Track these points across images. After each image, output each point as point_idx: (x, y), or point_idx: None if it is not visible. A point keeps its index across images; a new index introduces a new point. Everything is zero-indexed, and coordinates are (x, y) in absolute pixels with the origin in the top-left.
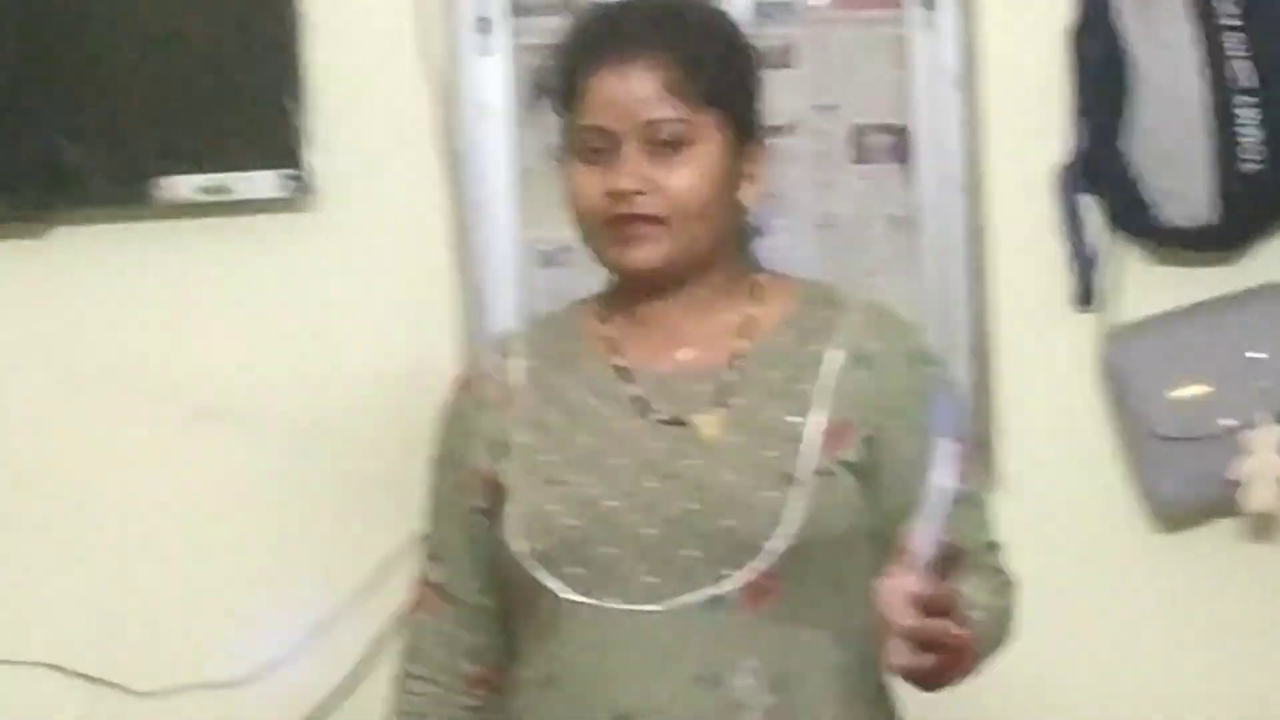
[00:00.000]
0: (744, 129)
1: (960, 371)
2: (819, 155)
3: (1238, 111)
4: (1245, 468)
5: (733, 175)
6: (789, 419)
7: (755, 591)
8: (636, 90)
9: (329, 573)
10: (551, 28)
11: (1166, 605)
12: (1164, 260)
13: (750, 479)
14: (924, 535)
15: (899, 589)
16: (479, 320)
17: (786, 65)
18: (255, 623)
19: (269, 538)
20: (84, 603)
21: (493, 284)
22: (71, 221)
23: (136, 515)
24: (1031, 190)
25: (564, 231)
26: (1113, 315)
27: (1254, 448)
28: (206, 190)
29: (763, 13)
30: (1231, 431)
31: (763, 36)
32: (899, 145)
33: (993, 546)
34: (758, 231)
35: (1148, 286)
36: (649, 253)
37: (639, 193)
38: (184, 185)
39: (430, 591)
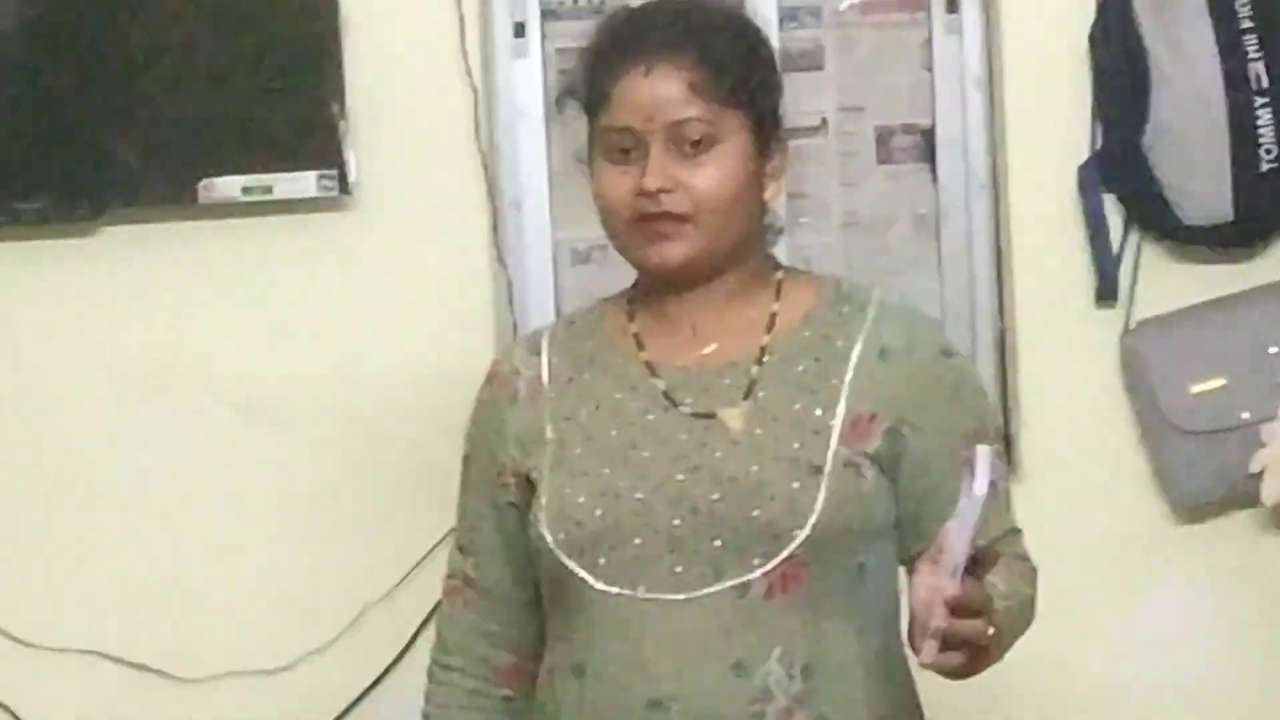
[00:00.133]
0: (766, 129)
1: (984, 367)
2: (845, 155)
3: (1257, 111)
4: (1264, 460)
5: (756, 174)
6: (813, 412)
7: (781, 581)
8: (662, 91)
9: (367, 564)
10: (583, 32)
11: (1186, 596)
12: (1183, 257)
13: (776, 471)
14: (958, 537)
15: (933, 589)
16: (515, 317)
17: (814, 67)
18: (296, 613)
19: (309, 531)
20: (129, 593)
21: (528, 282)
22: (119, 221)
23: (180, 508)
24: (1053, 189)
25: (597, 230)
26: (1133, 311)
27: (1273, 440)
28: (250, 191)
29: (790, 16)
30: (1251, 424)
31: (790, 39)
32: (923, 145)
33: (1014, 533)
34: (780, 230)
35: (1167, 283)
36: (676, 250)
37: (666, 191)
38: (228, 186)
39: (462, 584)
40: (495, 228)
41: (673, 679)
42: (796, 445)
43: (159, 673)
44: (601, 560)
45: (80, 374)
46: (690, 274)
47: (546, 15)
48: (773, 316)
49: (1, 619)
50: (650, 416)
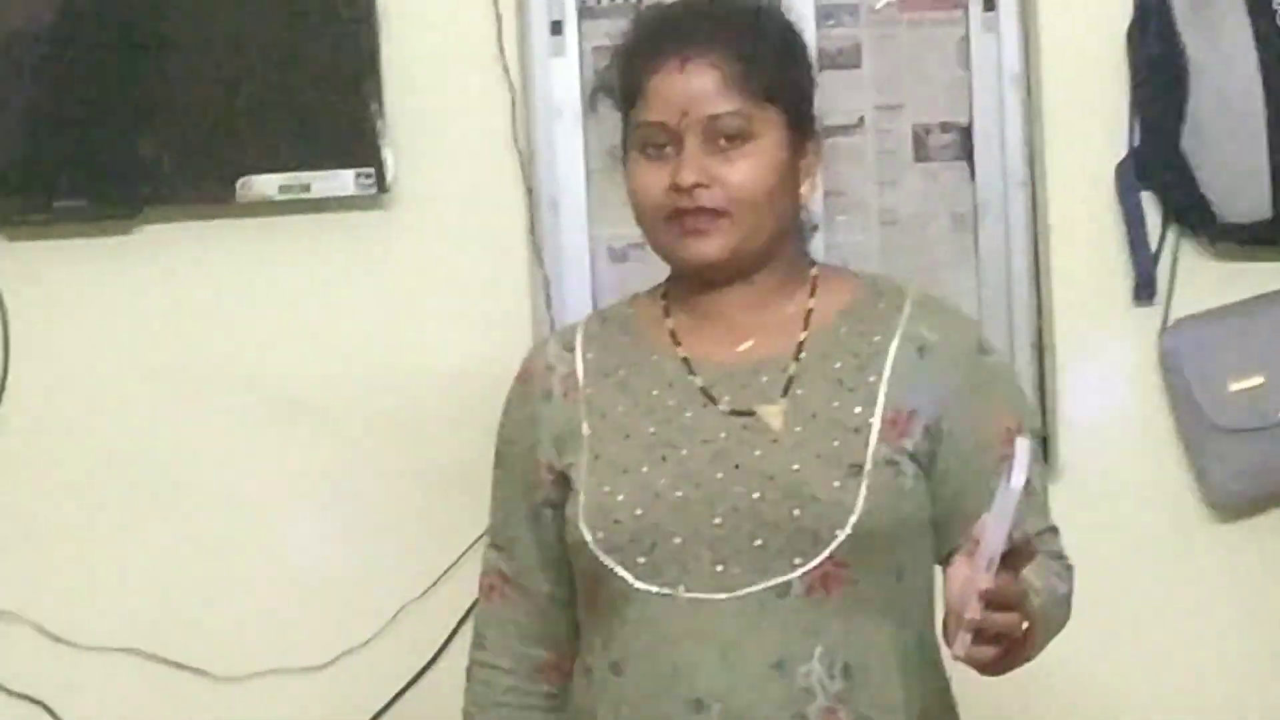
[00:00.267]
0: (800, 124)
1: (1021, 364)
2: (883, 153)
3: None
4: None
5: (791, 169)
6: (852, 410)
7: (822, 580)
8: (696, 86)
9: (405, 563)
10: (620, 30)
11: (1223, 594)
12: (1221, 255)
13: (816, 469)
14: (994, 531)
15: (968, 582)
16: (552, 316)
17: (851, 66)
18: (334, 611)
19: (347, 529)
20: (167, 591)
21: (565, 280)
22: (158, 219)
23: (220, 505)
24: (1091, 187)
25: (634, 229)
26: (1171, 309)
27: None
28: (287, 189)
29: (827, 14)
30: None
31: (827, 38)
32: (961, 143)
33: (1051, 531)
34: (815, 226)
35: (1205, 280)
36: (711, 245)
37: (701, 186)
38: (266, 184)
39: (498, 581)
40: (532, 226)
41: (713, 678)
42: (836, 444)
43: (196, 671)
44: (641, 559)
45: (118, 371)
46: (726, 269)
47: (583, 13)
48: (809, 313)
49: (39, 617)
50: (689, 414)
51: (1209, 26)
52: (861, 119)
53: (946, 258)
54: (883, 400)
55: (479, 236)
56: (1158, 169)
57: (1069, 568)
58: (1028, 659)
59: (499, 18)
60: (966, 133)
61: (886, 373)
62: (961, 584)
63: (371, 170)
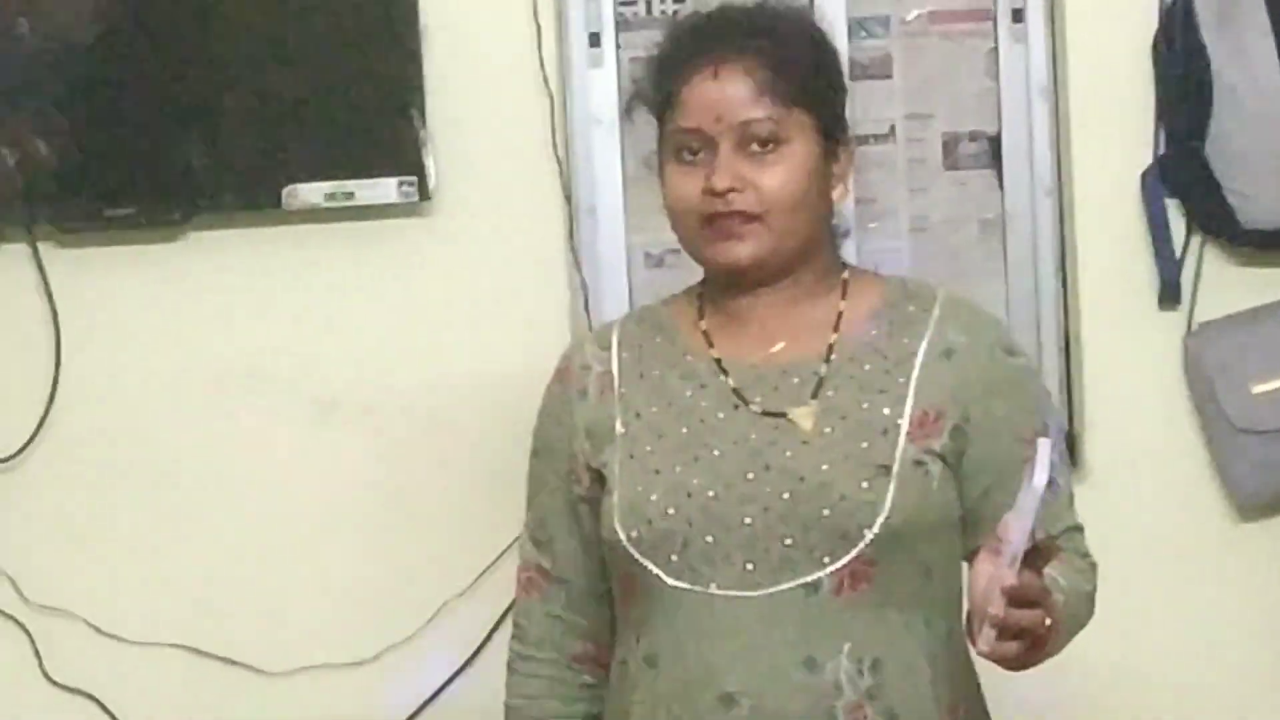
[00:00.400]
0: (832, 130)
1: (1049, 368)
2: (913, 162)
3: None
4: None
5: (823, 174)
6: (881, 411)
7: (850, 578)
8: (730, 92)
9: (447, 560)
10: (656, 41)
11: (1246, 591)
12: (1245, 260)
13: (846, 470)
14: (1017, 530)
15: (992, 579)
16: (590, 320)
17: (882, 76)
18: (378, 607)
19: (391, 526)
20: (216, 587)
21: (603, 285)
22: (206, 226)
23: (267, 504)
24: (1117, 194)
25: (670, 235)
26: (1195, 313)
27: None
28: (332, 197)
29: (859, 26)
30: None
31: (859, 49)
32: (990, 152)
33: (1075, 530)
34: (846, 231)
35: (1229, 285)
36: (745, 249)
37: (735, 191)
38: (311, 192)
39: (536, 575)
40: (571, 232)
41: (744, 674)
42: (865, 445)
43: (243, 665)
44: (674, 557)
45: (167, 374)
46: (759, 273)
47: (621, 25)
48: (839, 315)
49: (90, 613)
50: (721, 415)
51: (1233, 37)
52: (892, 128)
53: (975, 264)
54: (911, 401)
55: (519, 243)
56: (1182, 176)
57: (1093, 565)
58: (1051, 654)
59: (539, 29)
60: (995, 141)
61: (915, 374)
62: (986, 581)
63: (414, 178)
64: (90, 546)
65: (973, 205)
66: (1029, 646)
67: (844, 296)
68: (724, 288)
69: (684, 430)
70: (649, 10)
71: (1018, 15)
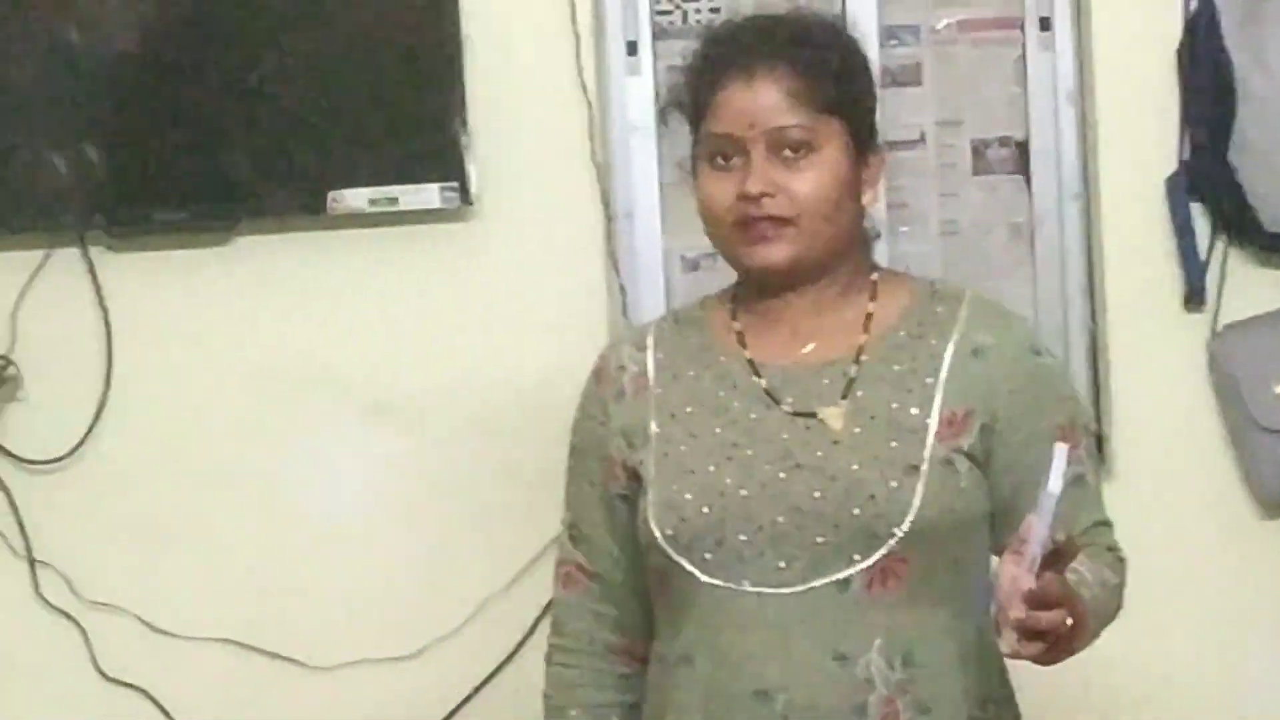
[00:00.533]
0: (862, 136)
1: (1076, 369)
2: (943, 167)
3: None
4: None
5: (853, 179)
6: (910, 411)
7: (880, 575)
8: (763, 99)
9: (489, 557)
10: (691, 49)
11: (1273, 589)
12: (1268, 263)
13: (876, 469)
14: (1037, 533)
15: (1014, 582)
16: (628, 322)
17: (913, 83)
18: (422, 603)
19: (433, 524)
20: (263, 584)
21: (640, 288)
22: (253, 232)
23: (312, 502)
24: (1142, 198)
25: (705, 239)
26: (1220, 315)
27: None
28: (376, 202)
29: (890, 35)
30: None
31: (890, 57)
32: (1018, 157)
33: (1104, 525)
34: (877, 234)
35: (1253, 288)
36: (778, 252)
37: (767, 195)
38: (355, 198)
39: (574, 571)
40: (609, 237)
41: (777, 670)
42: (894, 444)
43: (290, 660)
44: (707, 555)
45: (215, 375)
46: (791, 274)
47: (658, 34)
48: (868, 317)
49: (140, 609)
50: (753, 415)
51: (1256, 45)
52: (923, 134)
53: (1004, 267)
54: (939, 401)
55: (558, 247)
56: (1207, 181)
57: (1121, 560)
58: (1080, 648)
59: (577, 38)
60: (1023, 147)
61: (943, 374)
62: (1007, 583)
63: (456, 184)
64: (141, 544)
65: (1001, 209)
66: (1052, 646)
67: (874, 298)
68: (757, 290)
69: (717, 430)
70: (685, 19)
71: (1045, 24)
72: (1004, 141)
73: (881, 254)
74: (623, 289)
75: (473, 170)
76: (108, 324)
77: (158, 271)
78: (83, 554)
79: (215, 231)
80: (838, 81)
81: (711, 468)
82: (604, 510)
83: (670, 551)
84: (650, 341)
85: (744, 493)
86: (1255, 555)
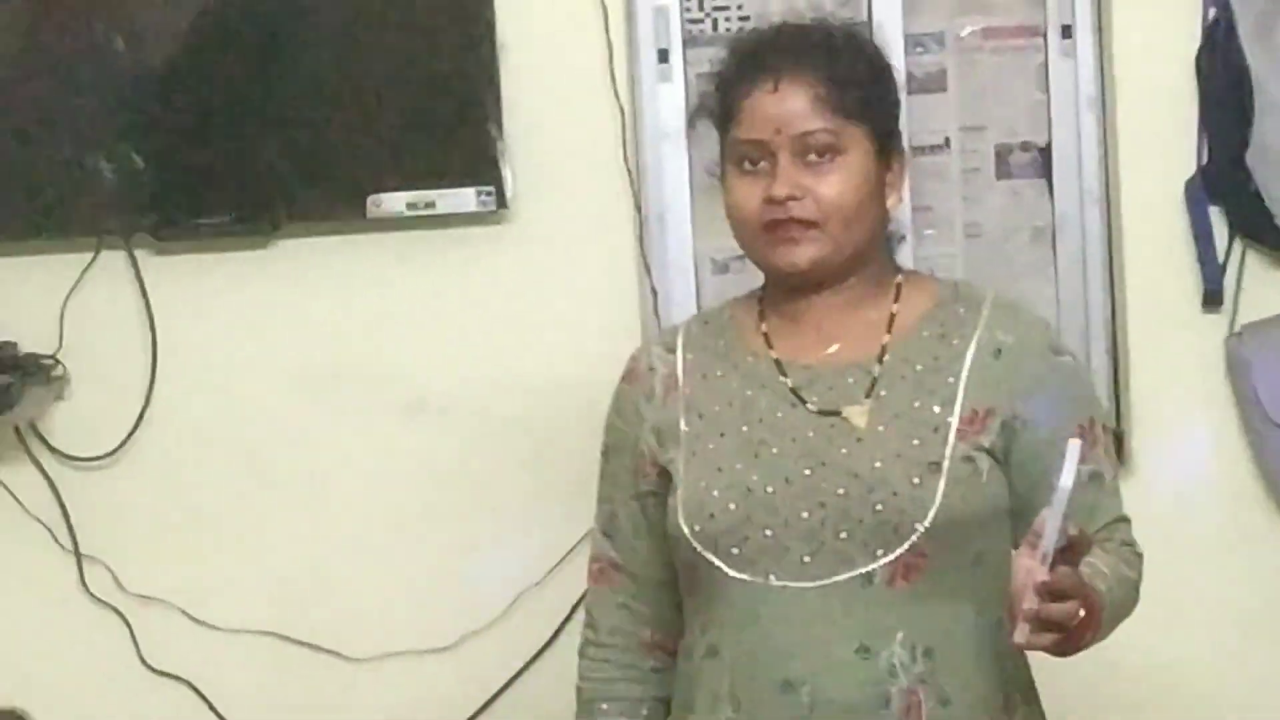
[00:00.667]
0: (886, 141)
1: (1097, 368)
2: (967, 171)
3: None
4: None
5: (877, 183)
6: (932, 409)
7: (903, 569)
8: (789, 105)
9: (522, 552)
10: (720, 57)
11: None
12: None
13: (898, 466)
14: (1050, 526)
15: (1026, 573)
16: (659, 323)
17: (937, 90)
18: (457, 596)
19: (470, 518)
20: (304, 577)
21: (671, 290)
22: (294, 234)
23: (353, 498)
24: (1162, 202)
25: (735, 242)
26: (1237, 315)
27: None
28: (414, 206)
29: (916, 42)
30: None
31: (916, 64)
32: (1040, 162)
33: (1121, 521)
34: (902, 237)
35: (1269, 289)
36: (803, 253)
37: (793, 199)
38: (394, 201)
39: (607, 566)
40: (641, 239)
41: (802, 662)
42: (916, 442)
43: (330, 652)
44: (735, 550)
45: (257, 374)
46: (816, 276)
47: (688, 42)
48: (892, 317)
49: (185, 602)
50: (779, 414)
51: (1272, 53)
52: (947, 139)
53: (1027, 269)
54: (961, 400)
55: (591, 250)
56: (1225, 185)
57: (1138, 555)
58: (1095, 640)
59: (610, 46)
60: (1045, 152)
61: (964, 374)
62: (1021, 575)
63: (492, 188)
64: (185, 539)
65: (1024, 213)
66: (1064, 637)
67: (897, 299)
68: (783, 291)
69: (744, 429)
70: (715, 28)
71: (1067, 31)
72: (1026, 146)
73: (906, 256)
74: (654, 290)
75: (508, 175)
76: (153, 324)
77: (201, 273)
78: (128, 549)
79: (257, 234)
80: (862, 88)
81: (739, 465)
82: (635, 507)
83: (698, 547)
84: (680, 343)
85: (770, 489)
86: (1272, 550)
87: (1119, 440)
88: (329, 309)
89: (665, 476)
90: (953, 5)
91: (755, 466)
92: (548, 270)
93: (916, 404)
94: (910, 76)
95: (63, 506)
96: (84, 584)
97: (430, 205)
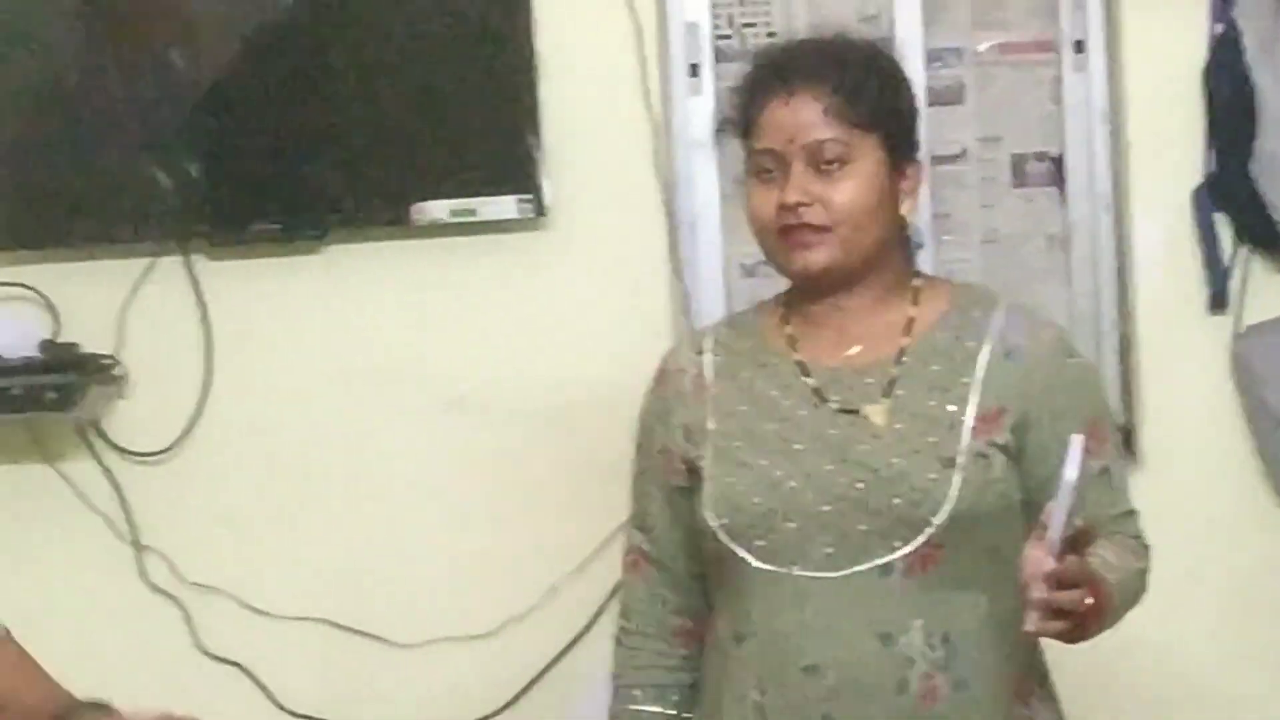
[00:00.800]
0: (899, 149)
1: (1108, 368)
2: (984, 180)
3: None
4: None
5: (889, 190)
6: (947, 408)
7: (920, 560)
8: (801, 116)
9: (560, 543)
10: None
11: None
12: None
13: (915, 462)
14: (1057, 519)
15: (1035, 563)
16: (690, 324)
17: (956, 102)
18: (498, 585)
19: (509, 513)
20: (353, 566)
21: (702, 293)
22: (342, 241)
23: (399, 491)
24: (1170, 209)
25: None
26: (1242, 317)
27: None
28: (456, 213)
29: (935, 57)
30: None
31: (935, 78)
32: (1054, 171)
33: (1129, 514)
34: (919, 244)
35: (1273, 292)
36: (815, 257)
37: (804, 205)
38: (437, 209)
39: (640, 558)
40: (672, 245)
41: (825, 648)
42: (932, 439)
43: (378, 638)
44: (760, 542)
45: (307, 374)
46: (830, 279)
47: (718, 57)
48: (910, 321)
49: (239, 590)
50: (803, 413)
51: (1276, 67)
52: (965, 150)
53: (1041, 273)
54: (975, 400)
55: (625, 255)
56: (1230, 193)
57: (1146, 546)
58: (1103, 627)
59: (644, 61)
60: (1059, 162)
61: (978, 375)
62: (1030, 566)
63: (531, 196)
64: (239, 530)
65: (1039, 220)
66: (1073, 625)
67: (915, 303)
68: (805, 294)
69: (769, 427)
70: (744, 43)
71: (1079, 46)
72: (1041, 156)
73: (926, 261)
74: (685, 293)
75: (546, 183)
76: (208, 327)
77: (254, 278)
78: (185, 540)
79: (307, 241)
80: (874, 99)
81: (764, 461)
82: (666, 502)
83: (725, 539)
84: (708, 345)
85: (793, 484)
86: (1274, 540)
87: (1128, 435)
88: (374, 312)
89: (694, 472)
90: (971, 22)
91: (779, 462)
92: (583, 274)
93: (932, 403)
94: (930, 89)
95: (123, 500)
96: (143, 574)
97: (471, 213)
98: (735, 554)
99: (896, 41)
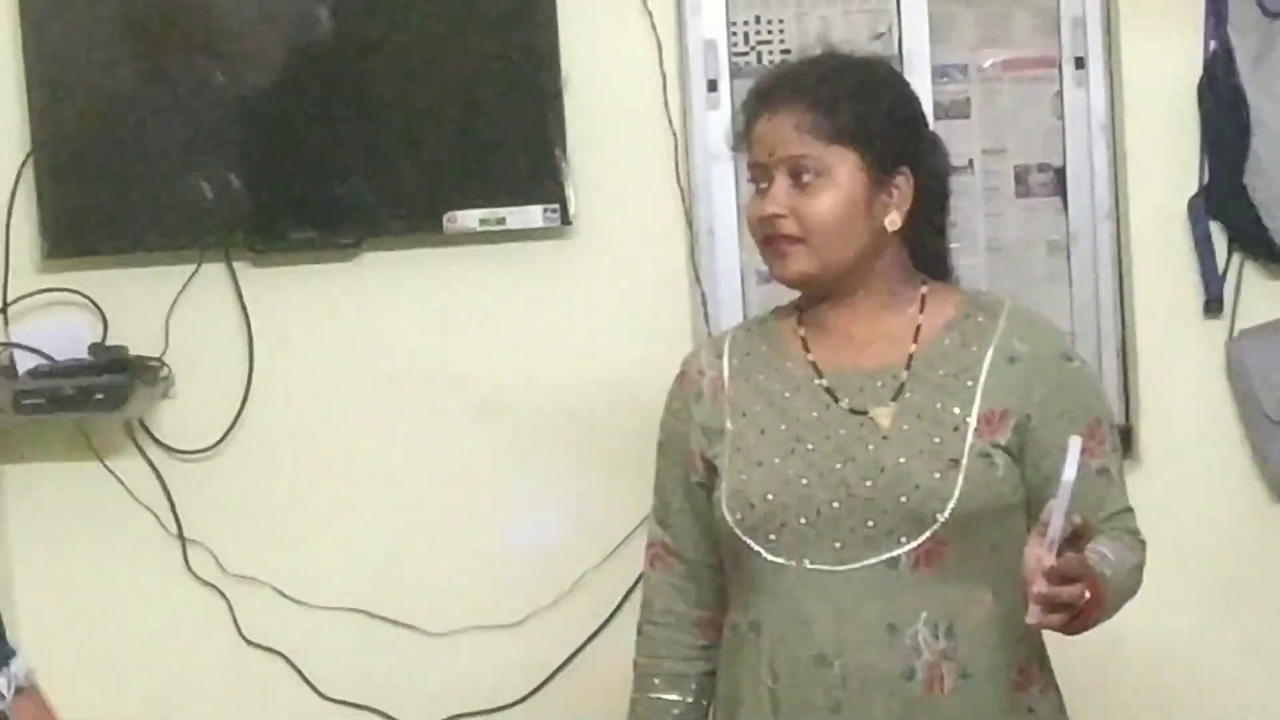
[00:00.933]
0: (881, 162)
1: (1107, 369)
2: (989, 190)
3: None
4: None
5: (868, 202)
6: (952, 410)
7: (925, 556)
8: (779, 132)
9: (584, 536)
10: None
11: None
12: (1279, 275)
13: (920, 462)
14: (1056, 516)
15: (1035, 559)
16: (709, 329)
17: (961, 116)
18: (526, 576)
19: (536, 507)
20: (388, 559)
21: (720, 298)
22: (376, 249)
23: (431, 487)
24: (1167, 218)
25: None
26: (1236, 321)
27: None
28: (486, 222)
29: (942, 73)
30: None
31: (942, 93)
32: (1056, 181)
33: (1126, 511)
34: (941, 257)
35: (1266, 297)
36: (792, 265)
37: (780, 216)
38: (468, 218)
39: (661, 551)
40: (692, 253)
41: (835, 639)
42: (937, 440)
43: (411, 627)
44: (772, 537)
45: (344, 376)
46: (814, 285)
47: (735, 73)
48: (918, 327)
49: (279, 581)
50: (814, 413)
51: (1268, 81)
52: (971, 161)
53: (1043, 279)
54: (979, 402)
55: (647, 262)
56: (1225, 203)
57: (1141, 542)
58: (1103, 619)
59: (664, 77)
60: (1060, 172)
61: (982, 378)
62: (1031, 562)
63: (557, 206)
64: (279, 524)
65: (1041, 228)
66: (1073, 617)
67: (922, 309)
68: (813, 300)
69: (783, 427)
70: (759, 60)
71: (1080, 62)
72: (1043, 168)
73: None
74: (704, 299)
75: (571, 194)
76: (249, 330)
77: (293, 284)
78: (228, 533)
79: (343, 249)
80: (851, 115)
81: (777, 460)
82: (686, 497)
83: (740, 534)
84: (726, 348)
85: (804, 482)
86: (1267, 536)
87: (1127, 435)
88: (407, 316)
89: (712, 470)
90: (976, 39)
91: (792, 461)
92: (607, 280)
93: (938, 405)
94: (937, 104)
95: (168, 495)
96: (188, 565)
97: (501, 221)
98: (749, 548)
99: (904, 58)
